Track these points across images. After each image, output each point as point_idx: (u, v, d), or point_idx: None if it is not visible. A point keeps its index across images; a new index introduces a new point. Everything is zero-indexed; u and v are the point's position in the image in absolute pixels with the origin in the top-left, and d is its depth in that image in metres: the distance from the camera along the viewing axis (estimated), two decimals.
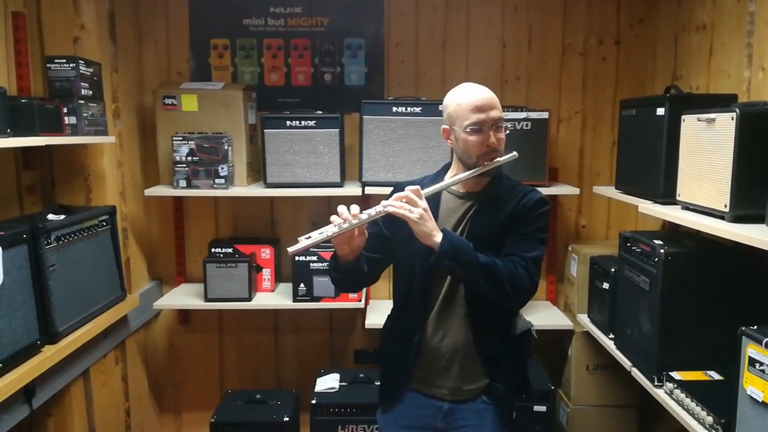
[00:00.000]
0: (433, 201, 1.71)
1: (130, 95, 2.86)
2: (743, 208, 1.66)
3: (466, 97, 1.68)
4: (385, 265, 1.85)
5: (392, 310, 1.91)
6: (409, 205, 1.59)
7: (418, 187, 1.63)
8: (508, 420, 1.80)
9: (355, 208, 1.61)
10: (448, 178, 1.79)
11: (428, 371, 1.78)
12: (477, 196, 1.76)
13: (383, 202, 1.62)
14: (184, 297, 2.89)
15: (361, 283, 1.90)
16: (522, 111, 2.68)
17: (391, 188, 1.84)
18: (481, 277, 1.62)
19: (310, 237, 1.58)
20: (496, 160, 1.69)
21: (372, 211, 1.61)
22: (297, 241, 1.59)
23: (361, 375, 2.77)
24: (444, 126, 1.75)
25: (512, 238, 1.70)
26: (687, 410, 1.80)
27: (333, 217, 1.61)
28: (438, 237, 1.59)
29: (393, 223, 1.73)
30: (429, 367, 1.77)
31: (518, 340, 1.81)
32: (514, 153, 1.72)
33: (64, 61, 2.29)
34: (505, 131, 1.71)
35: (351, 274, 1.74)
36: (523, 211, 1.71)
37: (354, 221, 1.59)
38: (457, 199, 1.77)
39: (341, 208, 1.61)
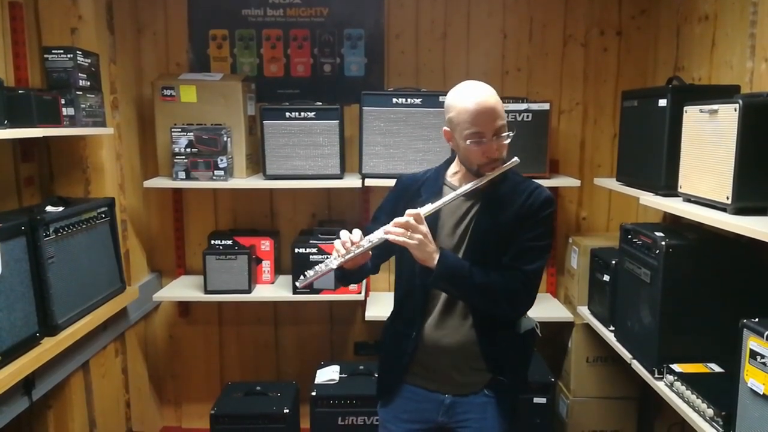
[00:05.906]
0: (435, 196, 1.70)
1: (129, 86, 2.85)
2: (745, 200, 1.65)
3: (467, 105, 1.61)
4: (385, 259, 1.88)
5: (393, 309, 1.90)
6: (409, 231, 1.60)
7: (418, 212, 1.61)
8: (510, 413, 1.79)
9: (356, 236, 1.64)
10: (450, 173, 1.79)
11: (429, 368, 1.77)
12: (480, 194, 1.72)
13: (383, 229, 1.63)
14: (183, 289, 2.89)
15: (364, 278, 1.96)
16: (523, 102, 2.67)
17: (394, 180, 1.89)
18: (477, 297, 1.66)
19: (315, 271, 1.66)
20: (496, 168, 1.67)
21: (373, 238, 1.64)
22: (305, 276, 1.67)
23: (361, 367, 2.77)
24: (445, 128, 1.72)
25: (515, 245, 1.67)
26: (687, 402, 1.80)
27: (336, 243, 1.64)
28: (437, 259, 1.61)
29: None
30: (429, 364, 1.77)
31: (523, 338, 1.79)
32: (516, 159, 1.68)
33: (62, 51, 2.28)
34: (508, 138, 1.66)
35: (357, 277, 1.82)
36: (529, 213, 1.68)
37: (355, 250, 1.63)
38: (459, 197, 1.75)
39: (344, 235, 1.64)
